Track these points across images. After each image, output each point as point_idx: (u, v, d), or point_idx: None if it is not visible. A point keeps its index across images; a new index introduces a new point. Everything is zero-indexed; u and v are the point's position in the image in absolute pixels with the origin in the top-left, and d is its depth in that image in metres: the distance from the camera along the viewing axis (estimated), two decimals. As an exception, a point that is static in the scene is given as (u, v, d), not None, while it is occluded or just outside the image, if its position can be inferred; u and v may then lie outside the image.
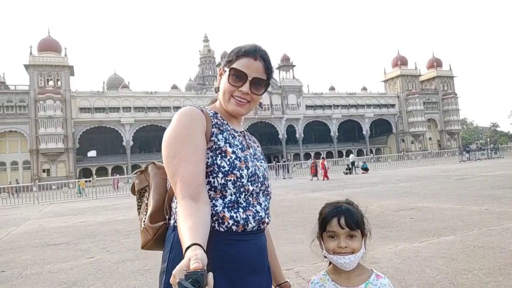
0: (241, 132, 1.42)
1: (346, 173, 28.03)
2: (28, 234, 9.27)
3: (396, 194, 11.80)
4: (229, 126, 1.36)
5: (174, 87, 72.48)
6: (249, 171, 1.30)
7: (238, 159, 1.29)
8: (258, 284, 1.26)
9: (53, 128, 56.32)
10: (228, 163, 1.26)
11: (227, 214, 1.22)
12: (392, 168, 32.24)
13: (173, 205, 1.30)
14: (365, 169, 28.13)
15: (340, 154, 70.60)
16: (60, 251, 6.87)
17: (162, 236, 1.33)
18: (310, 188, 16.71)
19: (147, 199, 1.40)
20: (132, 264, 5.49)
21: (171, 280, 0.87)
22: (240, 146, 1.34)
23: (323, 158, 26.27)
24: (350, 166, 28.52)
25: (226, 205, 1.23)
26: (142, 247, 1.40)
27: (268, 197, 1.40)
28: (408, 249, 5.12)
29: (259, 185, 1.34)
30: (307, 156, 68.48)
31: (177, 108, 66.00)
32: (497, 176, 15.42)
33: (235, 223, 1.23)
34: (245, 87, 1.32)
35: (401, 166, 33.45)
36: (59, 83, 59.06)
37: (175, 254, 1.21)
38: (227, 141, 1.31)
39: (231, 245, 1.21)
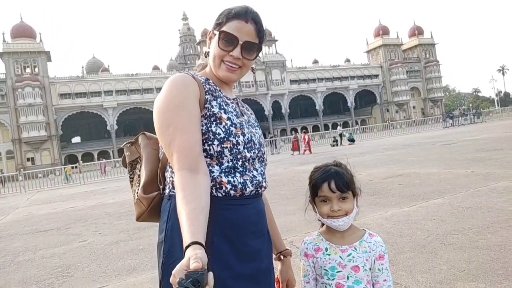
0: (233, 99, 1.36)
1: (333, 145, 28.26)
2: (17, 222, 9.16)
3: (383, 163, 11.96)
4: (221, 93, 1.30)
5: (156, 68, 71.26)
6: (245, 137, 1.26)
7: (233, 125, 1.24)
8: (258, 246, 1.25)
9: (34, 116, 55.11)
10: (223, 130, 1.21)
11: (224, 179, 1.19)
12: (378, 138, 32.61)
13: (167, 174, 1.26)
14: (352, 140, 28.38)
15: (326, 127, 70.97)
16: (52, 237, 6.82)
17: (157, 206, 1.29)
18: (299, 161, 16.83)
19: (139, 171, 1.36)
20: (125, 244, 5.48)
21: (171, 280, 0.86)
22: (234, 113, 1.29)
23: (304, 132, 26.19)
24: (338, 138, 28.74)
25: (223, 171, 1.20)
26: (137, 219, 1.36)
27: (263, 164, 1.37)
28: (398, 213, 5.21)
29: (256, 151, 1.30)
30: (293, 131, 68.66)
31: (159, 89, 64.74)
32: (481, 140, 15.72)
33: (233, 188, 1.20)
34: (236, 52, 1.24)
35: (386, 136, 33.87)
36: (36, 69, 57.44)
37: (172, 223, 1.18)
38: (222, 107, 1.25)
39: (230, 210, 1.18)
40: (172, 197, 1.21)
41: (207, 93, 1.24)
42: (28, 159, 55.57)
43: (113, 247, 5.42)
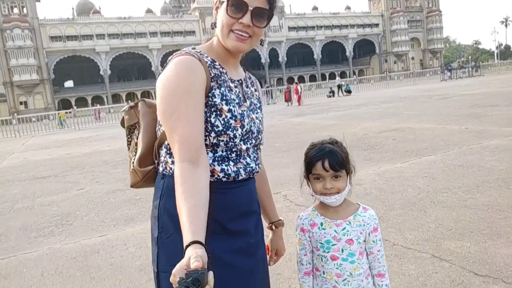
0: (238, 80, 1.30)
1: (330, 96, 28.13)
2: (14, 168, 9.24)
3: (379, 116, 11.98)
4: (227, 76, 1.25)
5: (149, 11, 68.56)
6: (244, 129, 1.23)
7: (233, 117, 1.20)
8: (247, 225, 1.27)
9: (25, 59, 53.76)
10: (222, 122, 1.18)
11: (217, 168, 1.18)
12: (375, 90, 32.42)
13: (162, 152, 1.24)
14: (348, 92, 28.23)
15: (323, 77, 70.10)
16: (49, 184, 6.92)
17: (151, 178, 1.29)
18: (294, 113, 16.81)
19: (137, 138, 1.33)
20: (123, 194, 5.58)
21: (171, 279, 0.85)
22: (237, 101, 1.24)
23: (296, 83, 25.67)
24: (335, 89, 28.51)
25: (216, 159, 1.19)
26: (132, 187, 1.38)
27: (259, 150, 1.36)
28: (391, 170, 5.31)
29: (253, 141, 1.28)
30: (290, 80, 67.74)
31: (153, 34, 63.19)
32: (478, 95, 15.69)
33: (226, 176, 1.19)
34: (246, 19, 1.16)
35: (383, 87, 33.64)
36: (24, 10, 55.15)
37: (164, 203, 1.20)
38: (224, 97, 1.20)
39: (220, 193, 1.17)
40: (165, 177, 1.22)
41: (212, 80, 1.19)
42: (21, 103, 54.97)
43: (110, 196, 5.53)
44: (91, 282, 2.95)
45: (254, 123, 1.29)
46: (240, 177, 1.23)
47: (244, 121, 1.23)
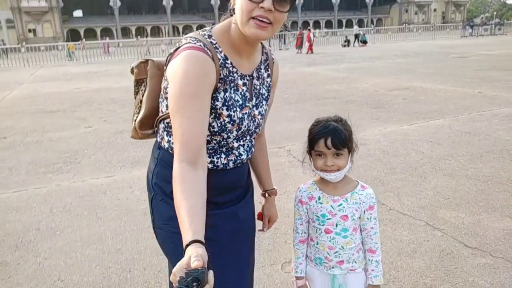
0: (249, 76, 1.25)
1: (344, 46, 27.32)
2: (23, 100, 9.32)
3: (392, 72, 11.73)
4: (236, 75, 1.21)
5: None
6: (240, 131, 1.23)
7: (231, 122, 1.19)
8: (230, 196, 1.31)
9: (32, -16, 52.11)
10: (219, 125, 1.17)
11: (208, 159, 1.20)
12: (391, 41, 31.37)
13: (161, 126, 1.27)
14: (364, 42, 27.35)
15: (340, 24, 67.66)
16: (58, 119, 7.02)
17: (150, 137, 1.37)
18: (306, 61, 16.46)
19: (142, 96, 1.34)
20: (129, 135, 5.66)
21: (171, 278, 0.85)
22: (240, 102, 1.22)
23: (309, 29, 24.62)
24: (353, 38, 27.57)
25: (208, 151, 1.20)
26: (132, 138, 1.44)
27: (254, 139, 1.36)
28: (397, 131, 5.31)
29: (248, 137, 1.29)
30: (305, 24, 65.50)
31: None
32: (496, 56, 15.19)
33: (214, 167, 1.22)
34: (267, 2, 1.06)
35: (401, 40, 32.52)
36: None
37: (158, 171, 1.27)
38: (226, 102, 1.18)
39: (209, 176, 1.15)
40: (161, 148, 1.26)
41: (220, 81, 1.16)
42: (29, 31, 54.01)
43: (117, 137, 5.63)
44: (98, 222, 3.11)
45: (254, 120, 1.28)
46: (228, 168, 1.26)
47: (242, 124, 1.22)
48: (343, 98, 7.77)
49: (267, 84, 1.33)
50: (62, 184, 3.90)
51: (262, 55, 1.31)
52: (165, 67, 1.20)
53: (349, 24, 73.26)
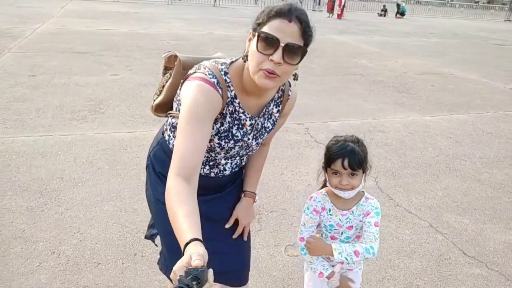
0: (258, 117, 1.35)
1: (380, 15, 26.25)
2: (53, 35, 9.41)
3: (425, 52, 11.35)
4: (244, 115, 1.31)
5: None
6: (229, 154, 1.36)
7: (220, 147, 1.32)
8: (209, 197, 1.43)
9: None
10: (208, 146, 1.29)
11: None
12: (431, 16, 30.00)
13: (169, 119, 1.42)
14: (402, 14, 26.19)
15: (379, -11, 64.50)
16: (86, 62, 7.12)
17: (162, 117, 1.54)
18: (338, 28, 15.96)
19: (166, 82, 1.48)
20: (154, 88, 5.70)
21: (171, 276, 0.86)
22: (239, 138, 1.33)
23: None
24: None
25: None
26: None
27: (246, 158, 1.50)
28: (418, 122, 5.27)
29: (237, 157, 1.43)
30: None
31: None
32: (538, 48, 14.48)
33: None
34: (277, 56, 1.12)
35: (441, 15, 31.04)
36: None
37: (156, 151, 1.48)
38: (220, 133, 1.30)
39: None
40: (163, 137, 1.44)
41: (220, 115, 1.27)
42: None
43: (142, 89, 5.73)
44: (117, 178, 3.27)
45: (248, 148, 1.39)
46: (209, 176, 1.40)
47: (231, 151, 1.36)
48: (370, 77, 7.64)
49: (274, 118, 1.43)
50: (86, 134, 4.06)
51: (278, 92, 1.39)
52: (180, 85, 1.32)
53: (389, -9, 69.77)
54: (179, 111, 1.28)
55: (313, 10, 25.96)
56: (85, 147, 3.77)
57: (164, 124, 1.48)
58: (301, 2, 27.13)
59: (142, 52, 8.35)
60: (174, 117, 1.36)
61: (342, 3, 21.41)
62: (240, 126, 1.33)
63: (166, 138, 1.42)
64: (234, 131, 1.32)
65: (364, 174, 1.47)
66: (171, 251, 1.45)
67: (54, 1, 18.56)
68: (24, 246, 2.41)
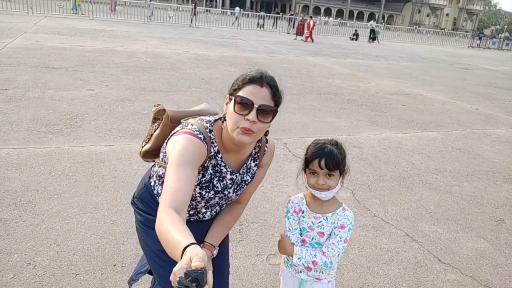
0: (238, 173, 1.49)
1: (352, 39, 27.22)
2: (26, 51, 9.24)
3: (395, 74, 11.81)
4: (225, 168, 1.44)
5: None
6: (209, 204, 1.50)
7: (201, 196, 1.45)
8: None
9: None
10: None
11: None
12: (399, 42, 31.31)
13: (155, 167, 1.56)
14: (373, 39, 27.25)
15: (351, 15, 67.06)
16: (60, 77, 7.01)
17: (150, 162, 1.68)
18: (312, 51, 16.41)
19: (154, 131, 1.61)
20: (131, 105, 5.73)
21: (171, 278, 0.87)
22: (220, 189, 1.45)
23: (311, 17, 24.03)
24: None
25: None
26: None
27: (225, 205, 1.60)
28: (391, 138, 5.45)
29: (217, 207, 1.56)
30: (316, 10, 64.80)
31: None
32: (499, 73, 15.32)
33: None
34: (252, 115, 1.29)
35: (409, 41, 32.45)
36: None
37: (143, 192, 1.60)
38: (201, 184, 1.41)
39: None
40: (150, 182, 1.57)
41: (203, 167, 1.39)
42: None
43: (119, 105, 5.68)
44: (95, 191, 3.22)
45: (227, 199, 1.52)
46: (190, 221, 1.52)
47: (212, 200, 1.48)
48: (344, 96, 7.87)
49: (253, 172, 1.56)
50: (62, 147, 3.99)
51: (255, 148, 1.53)
52: (166, 141, 1.44)
53: (360, 16, 72.55)
54: (164, 161, 1.44)
55: (288, 33, 26.62)
56: (61, 160, 3.69)
57: (151, 169, 1.61)
58: (276, 27, 27.77)
59: (118, 69, 8.31)
60: (160, 166, 1.49)
61: (311, 26, 22.02)
62: (221, 179, 1.44)
63: (152, 184, 1.55)
64: (215, 182, 1.43)
65: (341, 177, 1.52)
66: (162, 275, 1.49)
67: (27, 17, 18.32)
68: (-2, 257, 2.32)
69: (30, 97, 5.62)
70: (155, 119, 1.66)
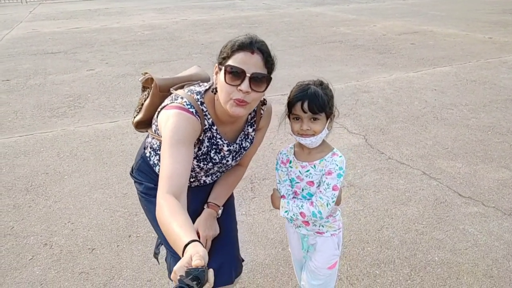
0: (235, 143, 1.45)
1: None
2: (23, 40, 9.15)
3: (402, 14, 11.29)
4: (221, 140, 1.40)
5: None
6: (208, 172, 1.47)
7: (200, 168, 1.42)
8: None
9: None
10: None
11: None
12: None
13: (149, 139, 1.52)
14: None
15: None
16: (60, 61, 6.94)
17: (144, 132, 1.66)
18: (313, 1, 15.76)
19: (144, 100, 1.56)
20: (132, 79, 5.64)
21: (172, 276, 0.86)
22: (217, 161, 1.42)
23: None
24: None
25: None
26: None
27: (226, 170, 1.57)
28: (402, 78, 5.24)
29: (217, 174, 1.53)
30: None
31: None
32: (513, -3, 14.49)
33: None
34: (245, 85, 1.20)
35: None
36: None
37: (140, 164, 1.57)
38: (198, 157, 1.38)
39: None
40: (145, 152, 1.54)
41: (199, 141, 1.35)
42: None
43: (120, 81, 5.60)
44: (104, 167, 3.20)
45: (227, 166, 1.49)
46: (191, 187, 1.49)
47: (211, 170, 1.46)
48: (350, 42, 7.58)
49: (251, 137, 1.50)
50: (67, 129, 3.96)
51: (250, 114, 1.46)
52: (157, 113, 1.38)
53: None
54: (157, 133, 1.40)
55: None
56: (67, 142, 3.68)
57: (145, 140, 1.57)
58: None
59: (116, 45, 8.16)
60: (154, 137, 1.45)
61: None
62: (218, 151, 1.40)
63: (147, 154, 1.52)
64: (212, 155, 1.40)
65: (328, 120, 1.37)
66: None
67: (21, 7, 18.08)
68: (15, 242, 2.34)
69: (32, 84, 5.58)
70: (144, 88, 1.59)
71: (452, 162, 3.09)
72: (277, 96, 4.60)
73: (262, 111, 1.48)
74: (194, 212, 1.50)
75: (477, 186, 2.77)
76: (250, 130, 1.49)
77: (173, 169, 1.15)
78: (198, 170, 1.43)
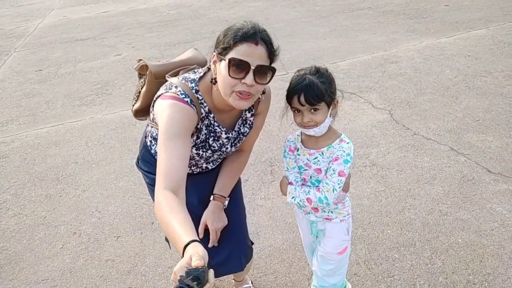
0: (234, 131, 1.44)
1: None
2: (54, 28, 9.41)
3: (437, -28, 10.57)
4: (219, 128, 1.38)
5: None
6: (209, 159, 1.47)
7: (199, 156, 1.41)
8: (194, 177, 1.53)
9: None
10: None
11: None
12: None
13: (148, 128, 1.54)
14: None
15: None
16: (88, 47, 7.10)
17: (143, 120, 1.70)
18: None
19: (141, 88, 1.55)
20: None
21: (172, 277, 0.85)
22: (216, 148, 1.42)
23: None
24: None
25: None
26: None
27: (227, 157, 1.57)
28: (432, 45, 4.96)
29: (218, 160, 1.54)
30: None
31: None
32: None
33: None
34: (249, 79, 1.17)
35: None
36: None
37: (144, 153, 1.62)
38: (197, 145, 1.37)
39: None
40: (146, 141, 1.57)
41: (197, 129, 1.33)
42: None
43: (145, 65, 5.66)
44: (129, 154, 3.30)
45: (227, 153, 1.49)
46: (193, 173, 1.50)
47: (210, 158, 1.45)
48: (380, 8, 7.22)
49: (250, 122, 1.48)
50: (95, 117, 4.09)
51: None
52: (153, 102, 1.37)
53: None
54: (155, 122, 1.38)
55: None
56: (95, 130, 3.80)
57: (146, 129, 1.59)
58: None
59: (142, 28, 8.23)
60: (153, 126, 1.45)
61: None
62: (216, 138, 1.39)
63: (148, 143, 1.55)
64: (210, 142, 1.39)
65: (330, 108, 1.33)
66: None
67: (53, -7, 18.49)
68: (47, 231, 2.49)
69: (63, 73, 5.76)
70: (140, 75, 1.58)
71: (483, 136, 2.93)
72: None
73: (260, 96, 1.43)
74: (201, 200, 1.52)
75: (509, 161, 2.62)
76: (249, 115, 1.47)
77: (169, 164, 1.15)
78: (197, 158, 1.42)
